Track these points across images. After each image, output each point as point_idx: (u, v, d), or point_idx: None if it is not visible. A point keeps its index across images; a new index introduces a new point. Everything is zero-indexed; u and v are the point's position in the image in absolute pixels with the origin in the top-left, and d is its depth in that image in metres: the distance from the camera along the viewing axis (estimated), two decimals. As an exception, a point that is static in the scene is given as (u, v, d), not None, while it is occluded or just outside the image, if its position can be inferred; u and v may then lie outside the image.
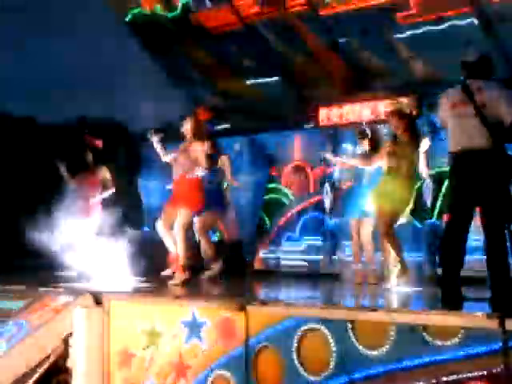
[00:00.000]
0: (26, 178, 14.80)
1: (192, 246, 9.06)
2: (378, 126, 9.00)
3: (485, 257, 5.80)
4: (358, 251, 8.76)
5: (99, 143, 10.09)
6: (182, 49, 12.47)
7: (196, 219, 9.16)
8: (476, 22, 9.39)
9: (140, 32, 12.95)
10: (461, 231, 5.79)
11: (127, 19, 12.81)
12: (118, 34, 15.17)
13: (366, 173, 8.61)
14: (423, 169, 7.99)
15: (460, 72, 5.93)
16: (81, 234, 10.07)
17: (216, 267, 9.09)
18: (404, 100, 7.65)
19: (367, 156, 8.55)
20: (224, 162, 9.34)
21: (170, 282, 8.40)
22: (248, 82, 12.20)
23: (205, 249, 9.13)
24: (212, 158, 9.19)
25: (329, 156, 9.46)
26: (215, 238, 11.77)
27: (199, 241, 9.18)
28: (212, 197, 9.17)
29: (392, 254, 7.66)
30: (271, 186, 11.42)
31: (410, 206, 7.67)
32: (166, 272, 8.77)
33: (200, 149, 8.37)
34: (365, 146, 8.70)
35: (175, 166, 8.60)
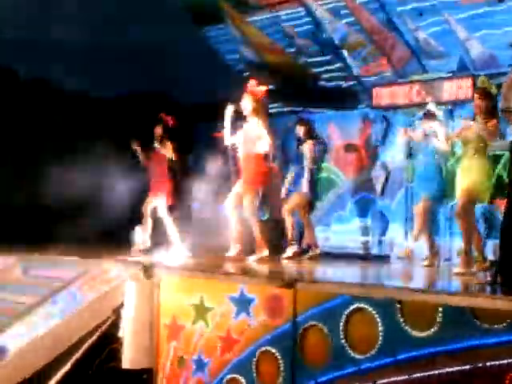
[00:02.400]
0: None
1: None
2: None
3: None
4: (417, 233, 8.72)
5: (172, 121, 10.20)
6: (235, 26, 12.46)
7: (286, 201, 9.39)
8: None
9: (193, 9, 12.96)
10: None
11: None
12: (169, 11, 15.25)
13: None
14: None
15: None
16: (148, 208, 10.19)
17: (293, 249, 9.31)
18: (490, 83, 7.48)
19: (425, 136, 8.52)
20: (308, 146, 9.45)
21: (252, 259, 8.54)
22: (301, 61, 12.15)
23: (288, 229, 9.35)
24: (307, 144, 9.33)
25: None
26: (263, 217, 11.83)
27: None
28: (300, 180, 9.33)
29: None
30: (322, 164, 11.39)
31: (491, 190, 7.58)
32: (231, 252, 8.69)
33: (261, 126, 8.45)
34: (426, 125, 8.59)
35: (240, 145, 8.65)
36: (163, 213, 9.84)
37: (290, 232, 9.39)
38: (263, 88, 8.69)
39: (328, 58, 11.72)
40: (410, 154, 9.32)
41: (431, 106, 8.65)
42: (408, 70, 10.88)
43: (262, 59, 12.50)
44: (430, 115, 8.59)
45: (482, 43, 9.86)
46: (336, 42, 11.40)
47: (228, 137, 8.69)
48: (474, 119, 7.50)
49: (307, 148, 9.42)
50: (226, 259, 8.45)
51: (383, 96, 10.73)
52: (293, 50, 12.07)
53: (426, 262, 8.46)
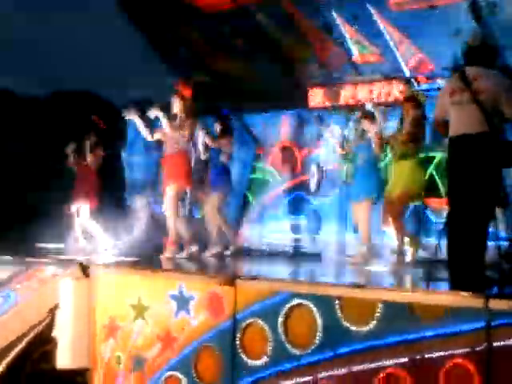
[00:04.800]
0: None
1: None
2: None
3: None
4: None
5: (103, 125, 10.17)
6: (172, 26, 12.43)
7: (206, 200, 9.45)
8: (468, 9, 9.45)
9: (129, 8, 12.86)
10: (463, 214, 5.86)
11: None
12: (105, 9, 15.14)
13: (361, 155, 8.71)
14: None
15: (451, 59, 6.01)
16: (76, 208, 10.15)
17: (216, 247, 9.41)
18: (416, 88, 7.75)
19: (363, 136, 8.67)
20: (225, 142, 9.56)
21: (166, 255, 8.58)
22: (238, 62, 12.22)
23: (218, 228, 9.46)
24: (223, 140, 9.47)
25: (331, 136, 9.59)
26: (198, 216, 11.84)
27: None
28: (220, 177, 9.41)
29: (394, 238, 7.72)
30: (257, 164, 11.49)
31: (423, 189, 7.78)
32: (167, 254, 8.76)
33: (198, 127, 8.80)
34: (366, 126, 8.71)
35: (168, 143, 8.75)
36: (87, 217, 9.90)
37: (226, 229, 9.51)
38: (187, 88, 8.89)
39: (265, 59, 11.80)
40: (346, 154, 9.44)
41: (369, 106, 8.81)
42: (343, 72, 11.07)
43: (200, 59, 12.50)
44: (367, 115, 8.73)
45: (414, 47, 10.11)
46: (273, 43, 11.51)
47: (147, 134, 8.97)
48: (401, 124, 7.73)
49: (224, 143, 9.54)
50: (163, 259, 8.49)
51: (319, 97, 10.87)
52: (230, 50, 12.11)
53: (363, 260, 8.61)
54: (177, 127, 8.68)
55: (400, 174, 7.70)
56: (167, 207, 8.65)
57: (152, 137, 9.02)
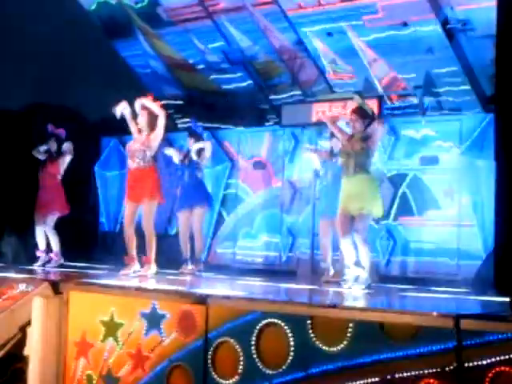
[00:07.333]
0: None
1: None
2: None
3: None
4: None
5: (62, 132, 10.02)
6: (147, 40, 12.46)
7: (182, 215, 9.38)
8: (439, 28, 9.57)
9: (104, 21, 12.86)
10: None
11: (92, 8, 12.71)
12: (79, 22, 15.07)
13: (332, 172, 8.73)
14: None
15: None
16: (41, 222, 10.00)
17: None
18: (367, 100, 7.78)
19: (332, 153, 8.70)
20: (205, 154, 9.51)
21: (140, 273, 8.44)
22: (211, 77, 12.26)
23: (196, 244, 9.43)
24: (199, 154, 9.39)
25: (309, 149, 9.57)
26: (172, 231, 11.80)
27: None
28: (196, 191, 9.33)
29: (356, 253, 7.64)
30: (230, 181, 11.48)
31: (380, 204, 7.69)
32: (126, 271, 8.53)
33: (159, 139, 8.45)
34: (333, 143, 8.75)
35: (131, 157, 8.52)
36: (51, 227, 9.74)
37: (201, 246, 9.49)
38: (152, 100, 8.67)
39: (238, 75, 11.86)
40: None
41: (341, 123, 8.78)
42: (316, 89, 11.13)
43: (173, 74, 12.52)
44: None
45: (387, 65, 10.20)
46: (246, 59, 11.57)
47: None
48: (351, 137, 7.69)
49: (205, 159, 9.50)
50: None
51: (292, 114, 10.86)
52: (203, 66, 12.17)
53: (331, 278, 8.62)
54: (142, 141, 8.45)
55: (359, 187, 7.54)
56: (146, 223, 8.44)
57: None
